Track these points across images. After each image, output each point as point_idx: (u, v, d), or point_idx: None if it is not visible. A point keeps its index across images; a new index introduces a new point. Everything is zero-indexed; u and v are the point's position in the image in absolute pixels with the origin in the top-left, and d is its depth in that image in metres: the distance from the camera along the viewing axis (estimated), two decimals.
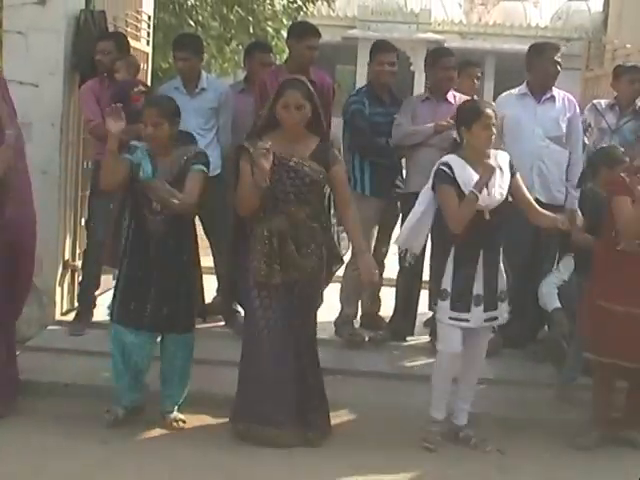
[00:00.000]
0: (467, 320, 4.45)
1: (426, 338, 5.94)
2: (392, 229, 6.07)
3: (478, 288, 4.44)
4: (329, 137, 5.97)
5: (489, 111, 4.49)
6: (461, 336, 4.48)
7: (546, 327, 5.79)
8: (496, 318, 4.57)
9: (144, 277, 4.50)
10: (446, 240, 4.51)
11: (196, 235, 4.73)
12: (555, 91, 5.73)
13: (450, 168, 4.49)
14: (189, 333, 4.64)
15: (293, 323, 4.45)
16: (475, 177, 4.41)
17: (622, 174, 4.61)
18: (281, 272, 4.39)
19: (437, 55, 5.86)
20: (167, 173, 4.52)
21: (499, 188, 4.49)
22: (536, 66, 5.70)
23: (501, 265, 4.56)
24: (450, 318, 4.47)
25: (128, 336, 4.53)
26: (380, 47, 5.92)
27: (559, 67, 5.64)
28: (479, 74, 6.42)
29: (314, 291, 4.55)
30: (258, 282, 4.39)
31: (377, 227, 5.90)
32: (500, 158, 4.55)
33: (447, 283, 4.47)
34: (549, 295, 5.44)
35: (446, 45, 23.15)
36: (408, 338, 5.96)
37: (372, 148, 5.80)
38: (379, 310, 6.27)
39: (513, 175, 4.58)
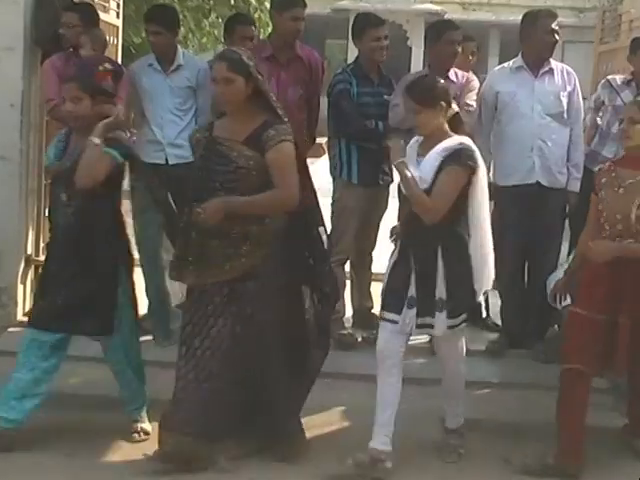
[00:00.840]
0: (395, 322, 4.38)
1: (424, 338, 5.93)
2: (380, 219, 6.08)
3: (412, 290, 4.34)
4: (317, 119, 6.02)
5: None
6: (394, 337, 4.39)
7: (555, 325, 5.80)
8: (431, 326, 4.37)
9: (56, 274, 4.44)
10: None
11: (120, 230, 4.58)
12: (553, 63, 5.73)
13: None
14: (106, 335, 4.49)
15: (235, 330, 4.26)
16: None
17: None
18: (195, 271, 4.24)
19: (442, 28, 5.84)
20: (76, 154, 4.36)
21: (420, 180, 4.29)
22: (530, 36, 5.68)
23: (441, 270, 4.29)
24: (381, 318, 4.45)
25: (37, 337, 4.42)
26: (371, 21, 5.90)
27: (556, 36, 5.63)
28: (475, 49, 6.40)
29: (266, 300, 4.27)
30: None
31: (363, 217, 5.90)
32: (443, 145, 4.28)
33: (384, 280, 4.47)
34: None
35: (447, 17, 23.16)
36: None
37: (360, 131, 5.78)
38: (372, 307, 6.27)
39: (445, 168, 4.24)
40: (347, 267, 6.16)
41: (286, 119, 4.26)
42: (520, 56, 5.76)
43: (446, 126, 4.34)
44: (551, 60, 5.72)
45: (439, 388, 5.22)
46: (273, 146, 4.14)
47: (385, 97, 5.83)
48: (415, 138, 4.46)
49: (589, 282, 4.44)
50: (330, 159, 5.99)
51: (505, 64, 5.89)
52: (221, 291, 4.23)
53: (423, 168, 4.28)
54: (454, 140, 4.28)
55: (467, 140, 4.33)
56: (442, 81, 4.50)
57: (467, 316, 4.45)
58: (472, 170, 4.26)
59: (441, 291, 4.29)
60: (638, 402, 4.74)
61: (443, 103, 4.31)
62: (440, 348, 4.60)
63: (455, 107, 4.41)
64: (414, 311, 4.32)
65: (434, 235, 4.30)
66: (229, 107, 4.27)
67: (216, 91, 4.28)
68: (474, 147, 4.31)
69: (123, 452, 4.51)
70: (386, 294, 4.45)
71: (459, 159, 4.23)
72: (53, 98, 5.62)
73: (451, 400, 4.65)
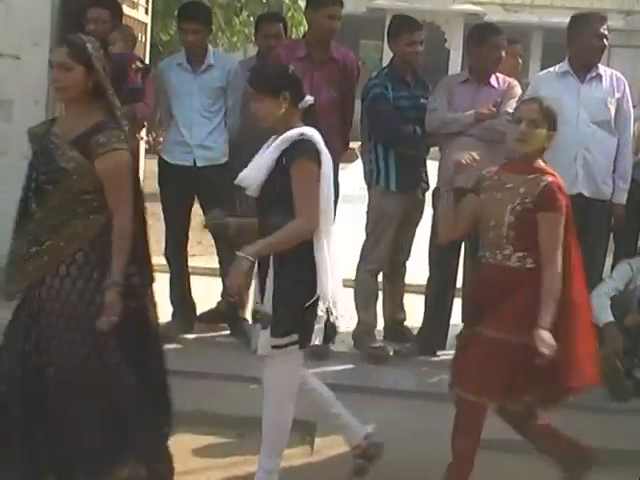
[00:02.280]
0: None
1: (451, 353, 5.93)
2: (416, 227, 6.10)
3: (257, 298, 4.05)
4: (350, 123, 6.03)
5: None
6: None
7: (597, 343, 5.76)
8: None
9: None
10: None
11: None
12: (601, 69, 5.70)
13: None
14: None
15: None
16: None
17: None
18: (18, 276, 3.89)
19: (486, 32, 5.83)
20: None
21: (257, 168, 3.96)
22: (578, 40, 5.66)
23: (271, 278, 3.92)
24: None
25: None
26: (407, 24, 5.90)
27: (605, 41, 5.61)
28: (521, 52, 6.39)
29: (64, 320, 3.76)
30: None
31: (401, 225, 5.91)
32: (282, 137, 3.91)
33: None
34: (600, 307, 5.43)
35: (486, 18, 23.12)
36: (438, 352, 5.97)
37: (398, 137, 5.79)
38: (405, 320, 6.27)
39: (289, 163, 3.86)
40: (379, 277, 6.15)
41: (125, 122, 3.93)
42: (567, 60, 5.74)
43: (296, 119, 3.95)
44: (599, 65, 5.70)
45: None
46: (102, 154, 3.76)
47: (422, 100, 5.83)
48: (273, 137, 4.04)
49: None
50: (364, 165, 6.00)
51: (551, 68, 5.86)
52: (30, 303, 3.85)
53: (258, 163, 3.96)
54: (294, 131, 3.90)
55: (309, 130, 3.92)
56: (291, 69, 4.11)
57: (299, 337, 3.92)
58: (318, 163, 3.89)
59: (268, 304, 3.92)
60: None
61: (287, 93, 3.90)
62: (264, 374, 4.05)
63: (310, 98, 4.01)
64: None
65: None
66: (61, 96, 3.99)
67: (53, 76, 3.96)
68: (317, 137, 3.91)
69: None
70: None
71: (301, 151, 3.86)
72: None
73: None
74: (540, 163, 4.10)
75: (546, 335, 3.81)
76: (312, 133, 3.92)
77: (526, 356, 3.86)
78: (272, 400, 4.00)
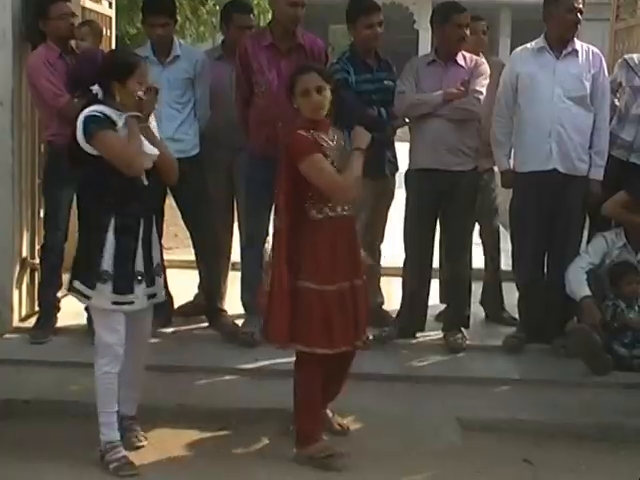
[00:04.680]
0: (132, 302, 4.36)
1: (438, 334, 5.94)
2: (388, 210, 6.08)
3: (139, 264, 4.35)
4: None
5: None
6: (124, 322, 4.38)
7: (575, 318, 5.79)
8: (155, 295, 4.49)
9: None
10: (102, 209, 4.30)
11: None
12: (578, 44, 5.69)
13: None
14: None
15: None
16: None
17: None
18: None
19: (448, 11, 5.79)
20: None
21: (150, 147, 4.32)
22: (552, 15, 5.65)
23: (155, 234, 4.48)
24: (114, 302, 4.35)
25: None
26: (366, 6, 5.86)
27: (579, 15, 5.60)
28: (485, 28, 6.36)
29: None
30: None
31: (371, 209, 5.87)
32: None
33: (108, 262, 4.27)
34: (577, 282, 5.46)
35: None
36: (418, 335, 5.96)
37: (362, 121, 5.75)
38: (383, 303, 6.26)
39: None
40: None
41: None
42: (543, 36, 5.73)
43: None
44: (576, 41, 5.68)
45: (455, 387, 5.27)
46: None
47: (385, 82, 5.81)
48: None
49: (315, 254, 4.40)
50: None
51: (528, 44, 5.84)
52: None
53: None
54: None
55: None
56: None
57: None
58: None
59: (157, 256, 4.49)
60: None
61: None
62: (142, 326, 4.56)
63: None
64: (144, 285, 4.37)
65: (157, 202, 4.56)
66: None
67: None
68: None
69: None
70: (114, 277, 4.31)
71: None
72: (62, 94, 5.54)
73: (137, 384, 4.59)
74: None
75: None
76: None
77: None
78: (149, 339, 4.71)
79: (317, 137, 4.37)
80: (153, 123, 4.45)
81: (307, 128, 4.36)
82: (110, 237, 4.26)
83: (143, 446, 4.53)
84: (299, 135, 4.33)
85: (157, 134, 4.47)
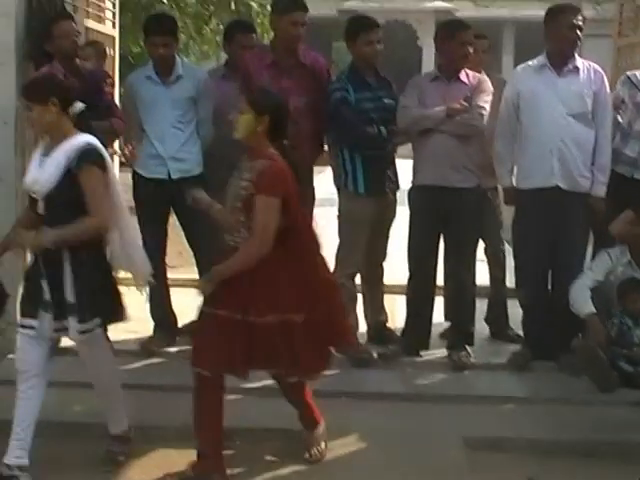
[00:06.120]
0: (33, 327, 4.35)
1: (443, 352, 5.92)
2: (389, 228, 6.07)
3: (46, 294, 4.34)
4: (324, 126, 6.00)
5: None
6: (32, 345, 4.36)
7: (580, 335, 5.76)
8: (66, 329, 4.39)
9: None
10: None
11: None
12: (579, 61, 5.69)
13: None
14: None
15: None
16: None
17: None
18: None
19: (452, 28, 5.81)
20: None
21: (46, 174, 4.26)
22: (552, 32, 5.66)
23: (68, 274, 4.27)
24: (20, 325, 4.41)
25: None
26: (364, 24, 5.88)
27: (579, 32, 5.60)
28: (486, 47, 6.37)
29: None
30: None
31: (373, 228, 5.87)
32: (69, 144, 4.26)
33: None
34: (581, 299, 5.42)
35: (458, 15, 23.17)
36: (422, 352, 5.94)
37: (362, 139, 5.76)
38: (386, 321, 6.25)
39: (79, 167, 4.20)
40: (358, 280, 6.12)
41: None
42: (544, 54, 5.74)
43: (69, 124, 4.28)
44: (578, 58, 5.69)
45: (460, 405, 5.25)
46: None
47: (385, 100, 5.80)
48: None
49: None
50: (333, 169, 5.98)
51: (530, 62, 5.85)
52: None
53: (48, 168, 4.24)
54: (80, 139, 4.26)
55: (93, 139, 4.30)
56: (59, 77, 4.56)
57: (103, 320, 4.43)
58: (104, 168, 4.27)
59: (70, 295, 4.28)
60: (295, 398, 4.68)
61: (55, 99, 4.22)
62: (80, 352, 4.57)
63: (80, 105, 4.33)
64: (50, 315, 4.33)
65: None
66: None
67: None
68: (100, 145, 4.32)
69: None
70: (22, 299, 4.46)
71: (90, 157, 4.23)
72: None
73: (108, 405, 4.63)
74: (263, 148, 4.25)
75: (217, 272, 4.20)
76: (96, 141, 4.29)
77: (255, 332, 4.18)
78: (97, 370, 4.57)
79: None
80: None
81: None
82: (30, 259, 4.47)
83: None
84: (276, 169, 4.22)
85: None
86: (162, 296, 6.00)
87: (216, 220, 4.47)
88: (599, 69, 5.77)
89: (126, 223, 4.49)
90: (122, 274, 4.54)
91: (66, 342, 5.84)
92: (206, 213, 4.52)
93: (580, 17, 5.62)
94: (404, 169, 5.98)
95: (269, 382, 5.41)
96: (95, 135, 4.38)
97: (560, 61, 5.66)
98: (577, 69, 5.68)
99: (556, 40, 5.65)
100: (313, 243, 4.36)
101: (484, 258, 6.29)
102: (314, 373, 4.48)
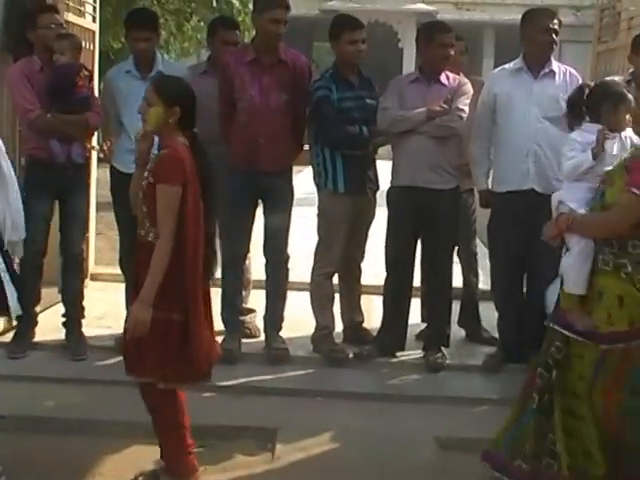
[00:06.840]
0: None
1: (419, 353, 5.92)
2: (368, 229, 6.06)
3: None
4: (304, 125, 5.99)
5: None
6: None
7: None
8: None
9: None
10: None
11: None
12: (555, 65, 5.72)
13: None
14: None
15: None
16: None
17: None
18: None
19: (433, 30, 5.82)
20: None
21: None
22: (528, 36, 5.68)
23: None
24: None
25: None
26: (348, 24, 5.86)
27: (554, 35, 5.62)
28: (464, 49, 6.38)
29: None
30: None
31: (351, 228, 5.86)
32: None
33: None
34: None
35: (439, 17, 23.20)
36: (398, 353, 5.93)
37: (343, 138, 5.75)
38: (363, 321, 6.25)
39: None
40: (335, 280, 6.12)
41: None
42: (521, 57, 5.76)
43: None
44: (554, 61, 5.71)
45: (434, 406, 5.25)
46: None
47: (367, 100, 5.80)
48: None
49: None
50: (313, 168, 5.97)
51: (506, 65, 5.87)
52: None
53: None
54: None
55: None
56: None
57: None
58: None
59: None
60: None
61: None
62: None
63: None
64: None
65: None
66: None
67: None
68: None
69: (102, 477, 4.43)
70: None
71: None
72: (33, 109, 5.58)
73: None
74: (172, 139, 4.02)
75: (138, 310, 3.86)
76: None
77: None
78: None
79: None
80: None
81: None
82: None
83: None
84: (174, 157, 3.99)
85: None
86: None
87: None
88: (575, 73, 5.79)
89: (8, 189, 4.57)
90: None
91: (38, 337, 5.88)
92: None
93: (556, 21, 5.65)
94: (384, 170, 5.98)
95: (243, 380, 5.46)
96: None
97: (536, 64, 5.68)
98: (553, 73, 5.70)
99: (532, 43, 5.67)
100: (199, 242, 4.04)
101: (457, 260, 6.29)
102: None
